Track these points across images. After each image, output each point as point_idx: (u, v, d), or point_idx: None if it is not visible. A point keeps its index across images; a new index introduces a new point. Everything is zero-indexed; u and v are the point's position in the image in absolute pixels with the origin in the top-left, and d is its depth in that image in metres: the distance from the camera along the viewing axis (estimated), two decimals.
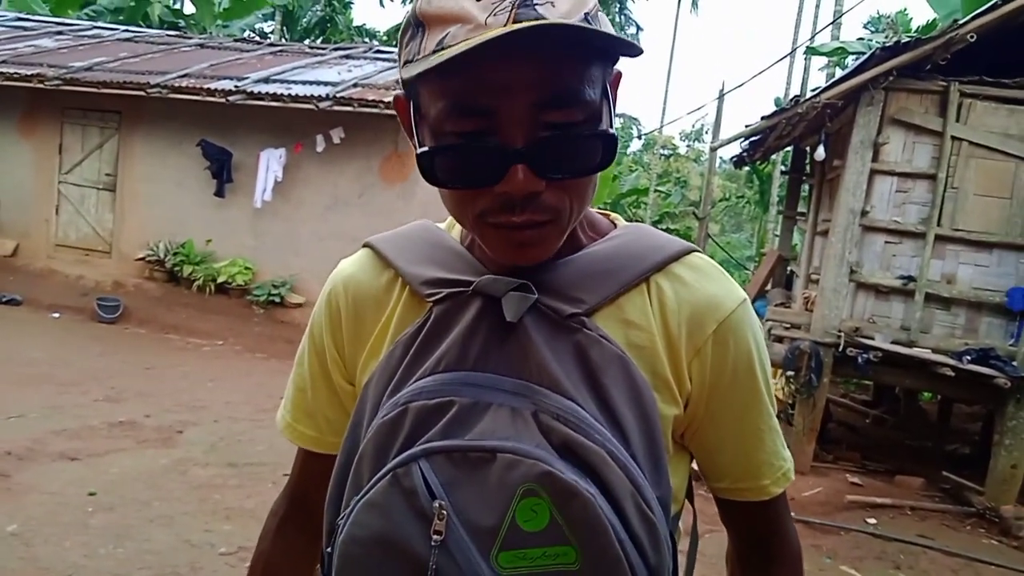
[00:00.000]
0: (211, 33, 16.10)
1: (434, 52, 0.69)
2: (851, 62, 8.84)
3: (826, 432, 6.82)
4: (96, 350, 7.59)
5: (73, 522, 3.80)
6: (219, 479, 4.62)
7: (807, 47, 16.08)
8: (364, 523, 0.72)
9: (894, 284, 6.24)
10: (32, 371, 6.45)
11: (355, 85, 9.29)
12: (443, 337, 0.79)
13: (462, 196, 0.75)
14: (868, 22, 23.14)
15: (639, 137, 32.89)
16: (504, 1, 0.68)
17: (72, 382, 6.29)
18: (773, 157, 14.33)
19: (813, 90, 8.30)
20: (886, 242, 6.29)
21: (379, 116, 8.61)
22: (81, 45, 11.63)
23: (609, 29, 0.72)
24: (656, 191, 24.32)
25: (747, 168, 14.69)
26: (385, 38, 23.86)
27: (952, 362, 5.77)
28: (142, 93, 9.33)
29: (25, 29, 12.79)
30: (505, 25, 0.66)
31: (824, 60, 18.74)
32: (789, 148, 9.99)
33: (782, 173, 16.14)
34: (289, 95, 8.94)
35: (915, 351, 5.98)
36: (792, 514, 0.97)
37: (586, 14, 0.70)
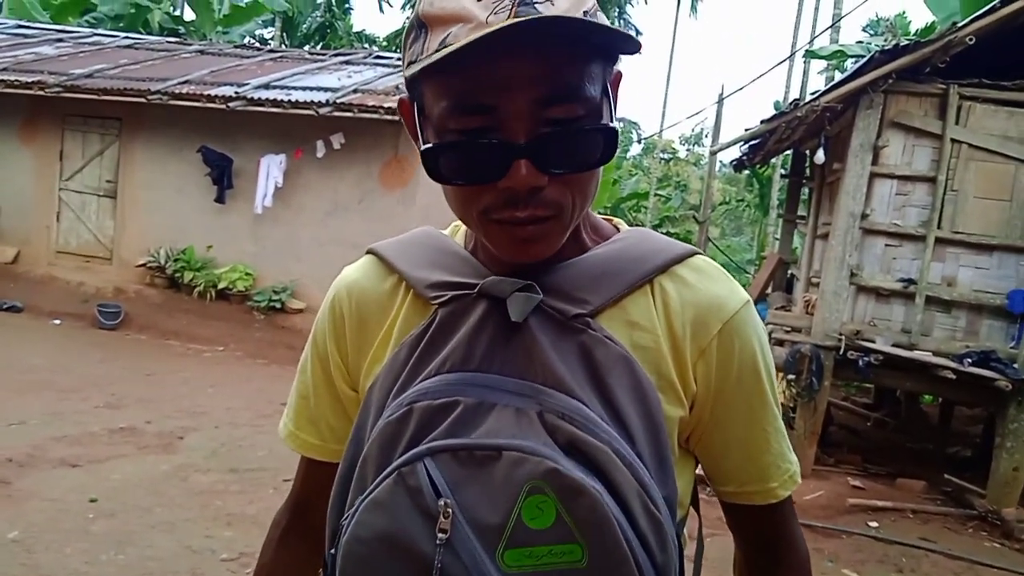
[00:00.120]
0: (211, 40, 16.12)
1: (436, 51, 0.70)
2: (850, 65, 8.85)
3: (827, 435, 6.81)
4: (97, 356, 7.59)
5: (74, 529, 3.80)
6: (220, 485, 4.62)
7: (806, 51, 16.10)
8: (369, 522, 0.72)
9: (894, 287, 6.24)
10: (33, 378, 6.45)
11: (355, 91, 9.31)
12: (448, 338, 0.79)
13: (466, 193, 0.75)
14: (867, 25, 23.17)
15: (639, 141, 32.91)
16: (504, 0, 0.68)
17: (73, 388, 6.29)
18: (773, 161, 14.34)
19: (812, 93, 8.31)
20: (886, 245, 6.28)
21: (379, 122, 8.63)
22: (82, 52, 11.66)
23: None
24: (656, 195, 24.33)
25: (747, 172, 14.69)
26: (385, 44, 23.90)
27: (953, 365, 5.76)
28: (143, 100, 9.35)
29: (26, 36, 12.82)
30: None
31: (823, 63, 18.75)
32: (789, 152, 10.00)
33: (782, 176, 16.14)
34: (289, 101, 8.96)
35: (916, 354, 5.97)
36: None
37: (585, 12, 0.71)
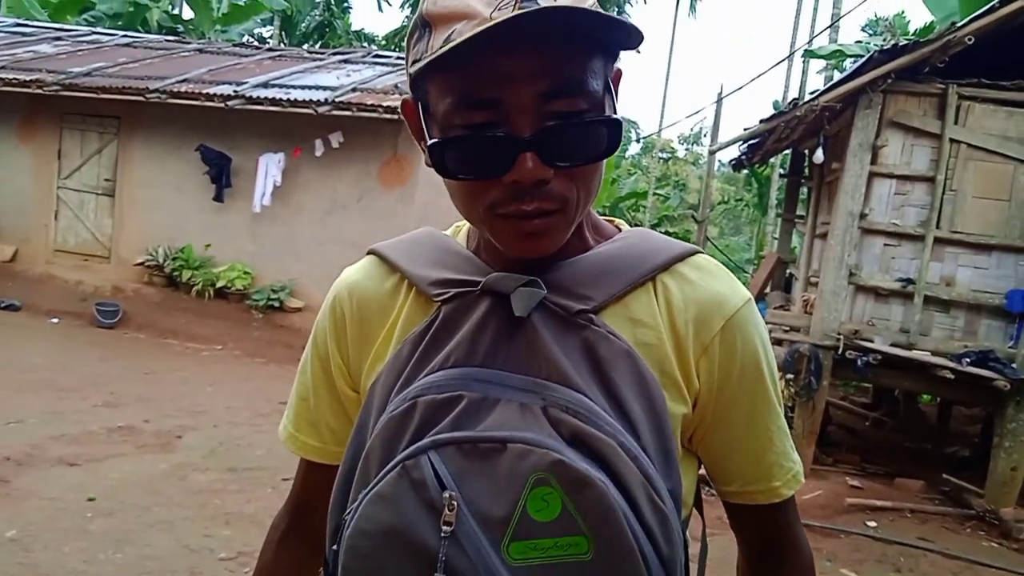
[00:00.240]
0: (210, 38, 16.11)
1: (441, 48, 0.70)
2: (849, 65, 8.85)
3: (825, 435, 6.82)
4: (95, 355, 7.59)
5: (72, 528, 3.79)
6: (219, 484, 4.62)
7: (805, 50, 16.11)
8: (372, 516, 0.72)
9: (893, 287, 6.24)
10: (31, 376, 6.44)
11: (354, 89, 9.30)
12: (451, 335, 0.79)
13: (472, 188, 0.75)
14: (866, 25, 23.18)
15: (638, 140, 32.90)
16: None
17: (71, 387, 6.28)
18: (771, 160, 14.35)
19: (811, 93, 8.32)
20: (885, 244, 6.29)
21: (378, 120, 8.62)
22: (80, 50, 11.65)
23: None
24: (655, 194, 24.34)
25: (746, 171, 14.71)
26: (384, 42, 23.90)
27: (951, 364, 5.77)
28: (141, 98, 9.34)
29: (24, 35, 12.80)
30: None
31: (822, 63, 18.76)
32: (788, 151, 10.00)
33: (781, 176, 16.14)
34: (288, 100, 8.95)
35: (914, 353, 5.98)
36: None
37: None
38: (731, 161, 12.24)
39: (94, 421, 5.47)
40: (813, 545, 0.98)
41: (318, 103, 8.76)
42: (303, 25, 23.14)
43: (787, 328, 6.67)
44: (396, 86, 9.38)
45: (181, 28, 18.11)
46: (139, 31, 15.49)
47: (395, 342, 0.84)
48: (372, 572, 0.72)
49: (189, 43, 13.07)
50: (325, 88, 9.37)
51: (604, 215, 0.95)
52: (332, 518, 0.81)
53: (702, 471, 0.90)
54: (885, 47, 6.16)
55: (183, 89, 9.37)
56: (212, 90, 9.25)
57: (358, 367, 0.89)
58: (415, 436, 0.73)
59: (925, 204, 6.17)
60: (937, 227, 6.13)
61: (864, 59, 6.25)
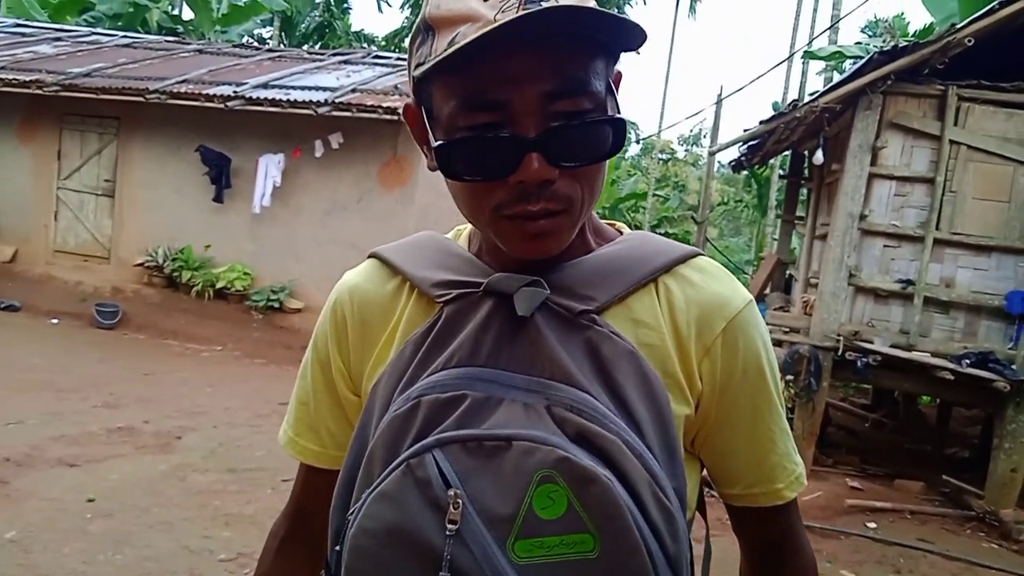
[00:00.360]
0: (210, 39, 16.11)
1: (446, 51, 0.70)
2: (848, 66, 8.85)
3: (825, 436, 6.81)
4: (95, 356, 7.59)
5: (72, 528, 3.79)
6: (218, 485, 4.61)
7: (805, 51, 16.11)
8: (376, 515, 0.71)
9: (893, 288, 6.24)
10: (31, 377, 6.44)
11: (354, 90, 9.30)
12: (454, 335, 0.79)
13: (478, 190, 0.75)
14: (865, 26, 23.16)
15: (637, 141, 32.88)
16: (511, 0, 0.69)
17: (71, 388, 6.28)
18: (771, 161, 14.35)
19: (811, 94, 8.32)
20: (885, 246, 6.29)
21: (378, 121, 8.62)
22: (80, 51, 11.65)
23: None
24: (654, 195, 24.33)
25: (745, 172, 14.71)
26: (383, 43, 23.90)
27: (951, 366, 5.77)
28: (141, 99, 9.34)
29: (24, 35, 12.80)
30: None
31: (822, 64, 18.77)
32: (787, 152, 10.01)
33: (780, 177, 16.13)
34: (288, 100, 8.95)
35: (914, 355, 5.98)
36: None
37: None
38: (731, 162, 12.24)
39: (94, 422, 5.47)
40: (813, 546, 0.97)
41: (318, 104, 8.76)
42: (303, 26, 23.14)
43: (787, 329, 6.67)
44: (396, 87, 9.38)
45: (181, 29, 18.11)
46: (139, 32, 15.49)
47: (397, 344, 0.84)
48: (376, 572, 0.71)
49: (189, 44, 13.08)
50: (325, 89, 9.38)
51: (604, 217, 0.95)
52: (334, 520, 0.81)
53: (704, 474, 0.90)
54: (885, 48, 6.17)
55: (183, 90, 9.37)
56: (212, 91, 9.25)
57: (359, 370, 0.89)
58: (419, 435, 0.73)
59: (925, 205, 6.17)
60: (937, 228, 6.13)
61: (864, 60, 6.25)
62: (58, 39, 12.57)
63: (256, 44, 17.57)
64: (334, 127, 8.90)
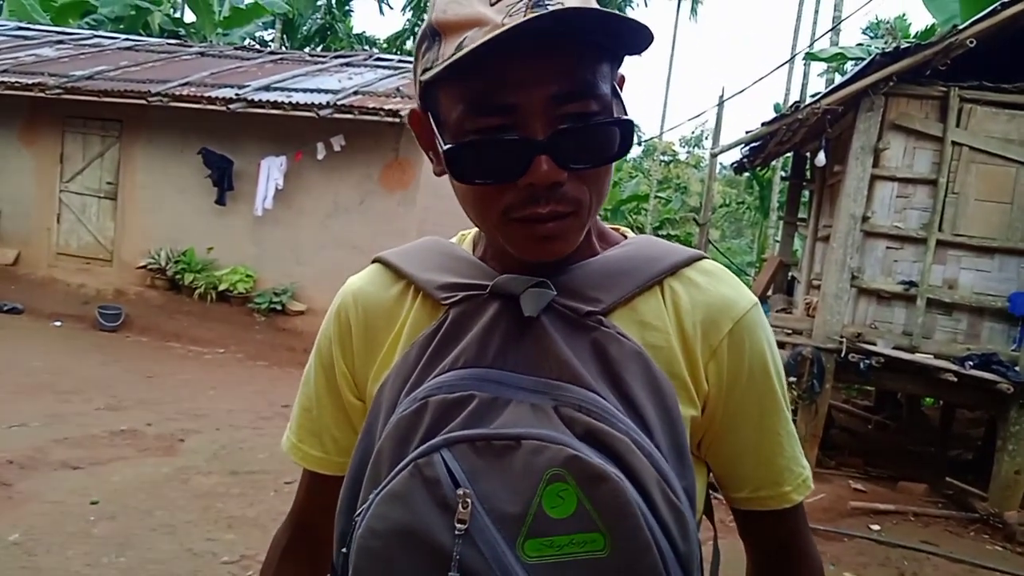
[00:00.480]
0: (211, 41, 16.14)
1: (454, 55, 0.70)
2: (850, 68, 8.85)
3: (828, 438, 6.81)
4: (98, 358, 7.59)
5: (75, 531, 3.79)
6: (221, 487, 4.61)
7: (806, 53, 16.11)
8: (384, 515, 0.71)
9: (896, 289, 6.24)
10: (34, 380, 6.45)
11: (355, 93, 9.31)
12: (460, 337, 0.79)
13: (486, 193, 0.75)
14: (867, 28, 23.18)
15: (639, 143, 32.91)
16: (518, 3, 0.70)
17: (74, 391, 6.28)
18: (773, 163, 14.35)
19: (813, 96, 8.31)
20: (887, 247, 6.29)
21: (379, 124, 8.63)
22: (82, 54, 11.66)
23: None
24: (656, 197, 24.33)
25: (747, 174, 14.70)
26: (385, 46, 23.93)
27: (954, 367, 5.76)
28: (143, 102, 9.35)
29: (26, 38, 12.82)
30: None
31: (823, 66, 18.77)
32: (789, 154, 10.00)
33: (782, 179, 16.13)
34: (290, 103, 8.96)
35: (917, 356, 5.97)
36: None
37: None
38: (733, 164, 12.24)
39: (96, 424, 5.47)
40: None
41: (320, 106, 8.77)
42: (304, 28, 23.18)
43: (789, 331, 6.66)
44: (398, 89, 9.39)
45: (183, 31, 18.15)
46: (141, 35, 15.54)
47: (402, 347, 0.84)
48: (384, 573, 0.71)
49: (191, 46, 13.09)
50: (327, 91, 9.39)
51: (605, 219, 0.95)
52: (340, 522, 0.80)
53: (710, 478, 0.90)
54: (887, 50, 6.16)
55: (185, 92, 9.38)
56: (214, 93, 9.26)
57: (364, 375, 0.88)
58: (427, 435, 0.73)
59: (927, 207, 6.17)
60: (939, 230, 6.13)
61: (866, 62, 6.25)
62: (60, 42, 12.59)
63: (258, 47, 17.60)
64: (336, 129, 8.91)
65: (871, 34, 22.06)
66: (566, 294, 0.79)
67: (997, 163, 6.05)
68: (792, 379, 6.09)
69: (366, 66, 11.30)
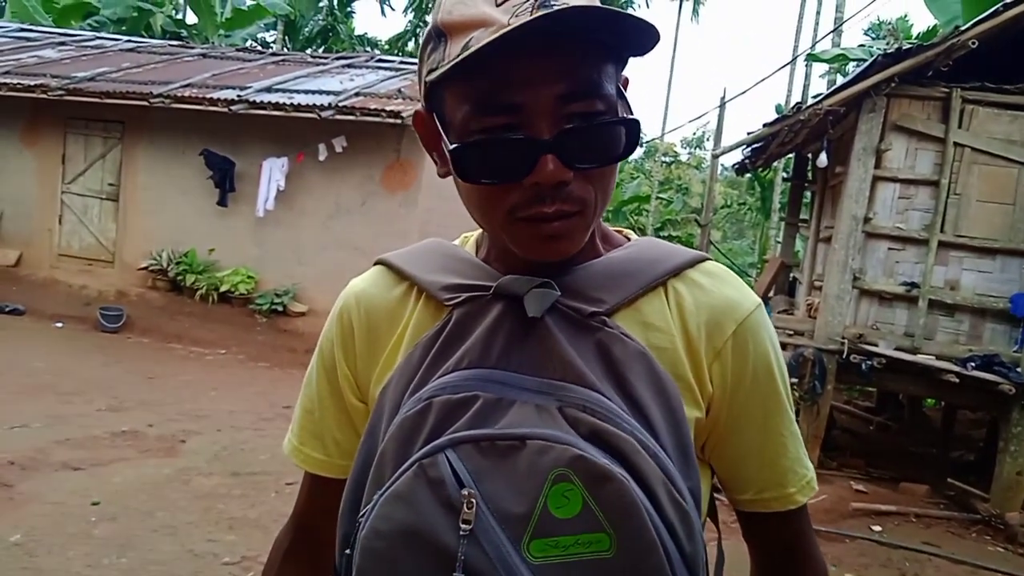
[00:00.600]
0: (213, 43, 16.16)
1: (459, 55, 0.70)
2: (852, 69, 8.85)
3: (830, 439, 6.80)
4: (99, 359, 7.59)
5: (76, 532, 3.79)
6: (222, 488, 4.61)
7: (808, 54, 16.11)
8: (388, 516, 0.70)
9: (897, 290, 6.23)
10: (35, 381, 6.45)
11: (357, 94, 9.31)
12: (464, 338, 0.78)
13: (492, 193, 0.75)
14: (869, 29, 23.19)
15: (640, 144, 32.95)
16: (524, 4, 0.70)
17: (75, 392, 6.29)
18: (775, 164, 14.34)
19: (815, 97, 8.31)
20: (889, 248, 6.28)
21: (381, 125, 8.64)
22: (84, 55, 11.68)
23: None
24: (658, 198, 24.34)
25: (749, 175, 14.69)
26: (387, 47, 23.93)
27: (956, 368, 5.76)
28: (145, 103, 9.36)
29: (28, 40, 12.84)
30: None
31: (825, 67, 18.76)
32: (791, 155, 10.00)
33: (784, 180, 16.12)
34: (291, 104, 8.97)
35: (919, 358, 5.97)
36: None
37: None
38: (734, 165, 12.22)
39: (98, 425, 5.47)
40: None
41: (321, 107, 8.77)
42: (306, 30, 23.21)
43: (791, 332, 6.65)
44: (399, 90, 9.40)
45: (185, 33, 18.18)
46: (143, 36, 15.56)
47: (405, 348, 0.84)
48: (388, 574, 0.70)
49: (193, 48, 13.11)
50: (328, 93, 9.40)
51: (606, 220, 0.94)
52: (343, 524, 0.80)
53: (715, 481, 0.90)
54: (889, 51, 6.16)
55: (187, 94, 9.39)
56: (216, 95, 9.27)
57: (366, 377, 0.88)
58: (431, 436, 0.72)
59: (929, 208, 6.16)
60: (941, 231, 6.12)
61: (868, 63, 6.25)
62: (62, 43, 12.60)
63: (260, 48, 17.64)
64: (337, 131, 8.92)
65: (873, 35, 22.07)
66: (570, 295, 0.79)
67: (999, 164, 6.05)
68: (794, 380, 6.08)
69: (368, 67, 11.31)
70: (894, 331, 6.26)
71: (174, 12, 20.04)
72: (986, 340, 6.12)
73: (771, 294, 9.58)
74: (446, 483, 0.69)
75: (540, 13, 0.67)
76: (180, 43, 14.30)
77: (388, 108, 8.57)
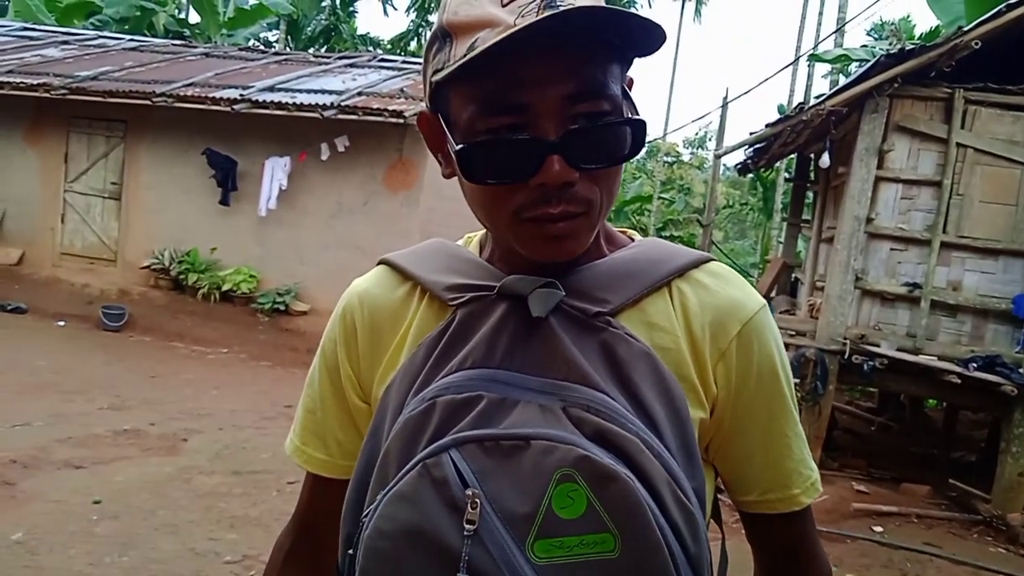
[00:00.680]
0: (216, 42, 16.17)
1: (465, 55, 0.70)
2: (854, 69, 8.84)
3: (832, 439, 6.80)
4: (101, 358, 7.60)
5: (78, 530, 3.79)
6: (224, 487, 4.62)
7: (810, 54, 16.09)
8: (392, 515, 0.70)
9: (900, 291, 6.22)
10: (37, 379, 6.46)
11: (359, 94, 9.32)
12: (468, 338, 0.78)
13: (498, 193, 0.75)
14: (871, 29, 23.18)
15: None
16: (530, 4, 0.70)
17: (77, 390, 6.29)
18: (777, 164, 14.33)
19: (817, 97, 8.31)
20: (891, 249, 6.28)
21: (383, 124, 8.64)
22: (87, 55, 11.69)
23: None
24: (660, 198, 24.33)
25: (751, 175, 14.69)
26: (389, 46, 23.94)
27: (958, 369, 5.75)
28: (147, 102, 9.37)
29: (31, 39, 12.85)
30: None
31: (827, 67, 18.75)
32: (793, 155, 9.99)
33: (786, 180, 16.11)
34: (294, 104, 8.97)
35: (921, 358, 5.96)
36: None
37: None
38: (736, 165, 12.21)
39: (100, 424, 5.48)
40: None
41: (324, 107, 8.78)
42: (309, 29, 23.22)
43: (793, 332, 6.65)
44: (402, 90, 9.40)
45: (187, 32, 18.19)
46: (146, 35, 15.58)
47: (408, 348, 0.84)
48: (392, 574, 0.70)
49: (195, 47, 13.12)
50: (331, 92, 9.40)
51: (609, 220, 0.94)
52: (346, 524, 0.80)
53: (718, 482, 0.89)
54: (891, 51, 6.15)
55: (189, 93, 9.40)
56: (218, 94, 9.28)
57: (369, 377, 0.88)
58: (435, 435, 0.72)
59: (932, 208, 6.15)
60: (944, 232, 6.12)
61: (870, 63, 6.24)
62: (65, 43, 12.62)
63: (262, 47, 17.65)
64: (340, 130, 8.92)
65: (876, 35, 22.06)
66: (574, 295, 0.79)
67: (1002, 165, 6.04)
68: (796, 381, 6.03)
69: (370, 67, 11.32)
70: (896, 332, 6.26)
71: (177, 11, 20.07)
72: (988, 341, 6.11)
73: (773, 294, 9.58)
74: (450, 483, 0.68)
75: (547, 13, 0.67)
76: (183, 42, 14.32)
77: (390, 108, 8.57)
